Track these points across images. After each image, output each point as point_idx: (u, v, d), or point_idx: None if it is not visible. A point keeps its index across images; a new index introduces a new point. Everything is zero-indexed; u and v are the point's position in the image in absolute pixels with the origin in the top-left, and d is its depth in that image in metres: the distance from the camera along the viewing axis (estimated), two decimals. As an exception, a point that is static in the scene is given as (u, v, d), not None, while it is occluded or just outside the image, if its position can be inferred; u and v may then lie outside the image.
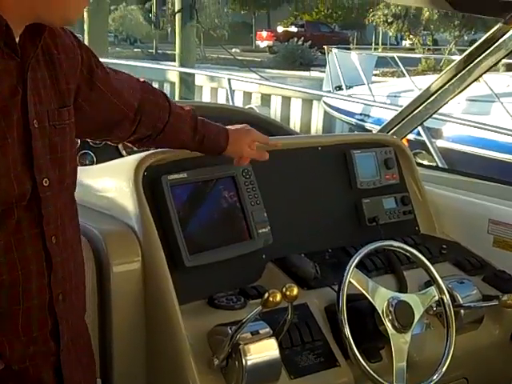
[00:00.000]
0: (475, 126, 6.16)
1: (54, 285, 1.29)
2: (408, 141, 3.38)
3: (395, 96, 9.22)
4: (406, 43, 27.43)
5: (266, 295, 1.59)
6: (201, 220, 1.97)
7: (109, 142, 1.79)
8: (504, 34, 2.46)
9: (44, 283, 1.28)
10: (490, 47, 2.55)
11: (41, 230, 1.26)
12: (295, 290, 1.61)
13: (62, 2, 1.21)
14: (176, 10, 13.80)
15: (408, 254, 2.06)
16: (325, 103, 11.32)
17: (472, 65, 2.65)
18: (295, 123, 14.25)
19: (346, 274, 1.87)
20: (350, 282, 1.87)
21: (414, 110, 2.92)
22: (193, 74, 13.66)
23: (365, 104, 8.70)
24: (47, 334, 1.30)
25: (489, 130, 5.93)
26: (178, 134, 1.78)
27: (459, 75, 2.71)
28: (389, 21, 22.17)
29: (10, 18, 1.17)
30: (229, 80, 7.33)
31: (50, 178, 1.27)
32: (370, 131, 8.25)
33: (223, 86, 12.97)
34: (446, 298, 1.98)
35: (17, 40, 1.21)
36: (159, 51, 26.04)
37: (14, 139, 1.19)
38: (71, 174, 1.36)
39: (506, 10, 2.33)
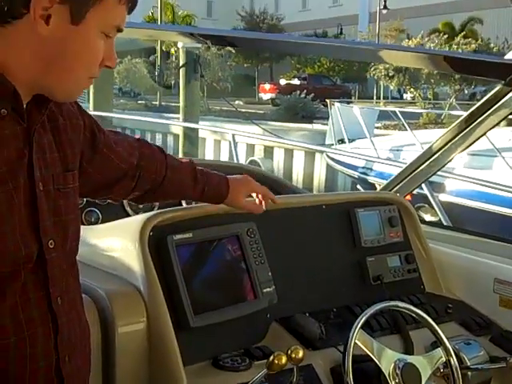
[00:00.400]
0: (477, 183, 6.18)
1: (61, 346, 1.28)
2: (411, 195, 3.39)
3: (397, 150, 9.30)
4: (408, 96, 27.72)
5: (272, 358, 1.57)
6: (206, 280, 1.96)
7: (109, 200, 1.79)
8: (505, 95, 2.48)
9: (50, 345, 1.26)
10: (491, 107, 2.56)
11: (46, 291, 1.26)
12: (301, 353, 1.59)
13: (67, 78, 1.23)
14: (180, 65, 14.01)
15: (414, 315, 2.04)
16: (327, 156, 11.42)
17: (474, 124, 2.66)
18: (298, 175, 14.35)
19: (351, 336, 1.84)
20: (355, 343, 1.85)
21: (417, 168, 2.93)
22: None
23: (367, 160, 8.75)
24: None
25: (490, 186, 5.96)
26: (178, 186, 1.79)
27: (462, 134, 2.73)
28: (390, 75, 22.42)
29: (18, 86, 1.20)
30: (233, 135, 7.42)
31: (54, 239, 1.27)
32: (373, 185, 8.30)
33: (226, 139, 13.13)
34: (453, 359, 1.95)
35: (24, 105, 1.23)
36: (163, 103, 26.39)
37: (20, 201, 1.20)
38: (75, 236, 1.36)
39: (506, 72, 2.36)
